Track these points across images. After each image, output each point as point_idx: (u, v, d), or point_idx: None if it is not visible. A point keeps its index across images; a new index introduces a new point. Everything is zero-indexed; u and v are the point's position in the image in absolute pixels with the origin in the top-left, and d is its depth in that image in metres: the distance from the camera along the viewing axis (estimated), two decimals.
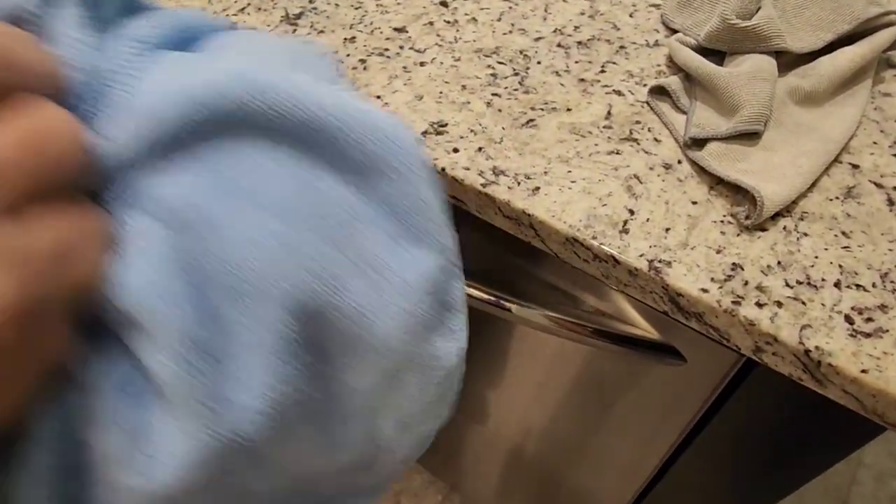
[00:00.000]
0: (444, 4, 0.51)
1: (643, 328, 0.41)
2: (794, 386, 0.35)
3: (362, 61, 0.46)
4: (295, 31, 0.49)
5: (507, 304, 0.43)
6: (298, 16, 0.50)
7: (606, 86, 0.43)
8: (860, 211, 0.35)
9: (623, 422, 0.52)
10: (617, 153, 0.39)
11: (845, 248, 0.34)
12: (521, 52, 0.46)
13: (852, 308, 0.31)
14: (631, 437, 0.53)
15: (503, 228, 0.39)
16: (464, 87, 0.44)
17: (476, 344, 0.58)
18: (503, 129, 0.41)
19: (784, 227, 0.35)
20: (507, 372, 0.61)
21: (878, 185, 0.36)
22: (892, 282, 0.32)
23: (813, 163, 0.37)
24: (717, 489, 0.51)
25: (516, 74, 0.44)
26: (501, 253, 0.46)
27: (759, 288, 0.32)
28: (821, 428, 0.38)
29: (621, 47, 0.46)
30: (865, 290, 0.32)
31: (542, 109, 0.42)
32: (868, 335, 0.30)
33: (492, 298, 0.44)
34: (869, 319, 0.31)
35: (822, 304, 0.31)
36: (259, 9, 0.52)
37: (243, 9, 0.52)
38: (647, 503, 0.63)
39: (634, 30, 0.47)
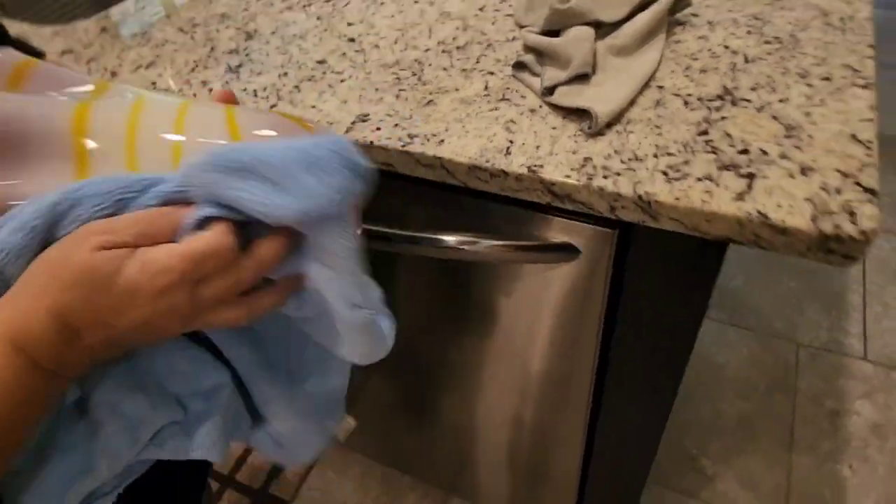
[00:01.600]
0: (352, 40, 0.65)
1: (544, 239, 0.54)
2: (662, 248, 0.48)
3: (296, 87, 0.59)
4: (238, 76, 0.62)
5: (440, 241, 0.56)
6: (238, 66, 0.64)
7: (482, 70, 0.58)
8: (666, 112, 0.50)
9: (552, 335, 0.64)
10: (496, 109, 0.53)
11: (658, 134, 0.48)
12: (416, 61, 0.61)
13: (667, 166, 0.45)
14: (563, 346, 0.65)
15: (423, 177, 0.52)
16: (377, 89, 0.57)
17: (413, 300, 0.69)
18: (411, 109, 0.54)
19: (616, 131, 0.49)
20: (449, 326, 0.72)
21: (677, 95, 0.52)
22: (690, 147, 0.46)
23: (630, 89, 0.51)
24: (654, 358, 0.63)
25: (415, 75, 0.59)
26: (429, 212, 0.58)
27: (604, 167, 0.46)
28: (687, 269, 0.51)
29: (489, 45, 0.61)
30: (673, 154, 0.46)
31: (438, 93, 0.56)
32: (678, 179, 0.44)
33: (423, 237, 0.56)
34: (677, 170, 0.45)
35: (647, 169, 0.45)
36: (206, 67, 0.65)
37: (193, 69, 0.65)
38: (605, 403, 0.73)
39: (497, 32, 0.63)
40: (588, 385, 0.69)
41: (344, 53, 0.63)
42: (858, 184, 0.42)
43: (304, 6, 0.73)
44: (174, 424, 0.36)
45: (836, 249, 0.40)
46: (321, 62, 0.62)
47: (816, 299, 1.43)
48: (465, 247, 0.55)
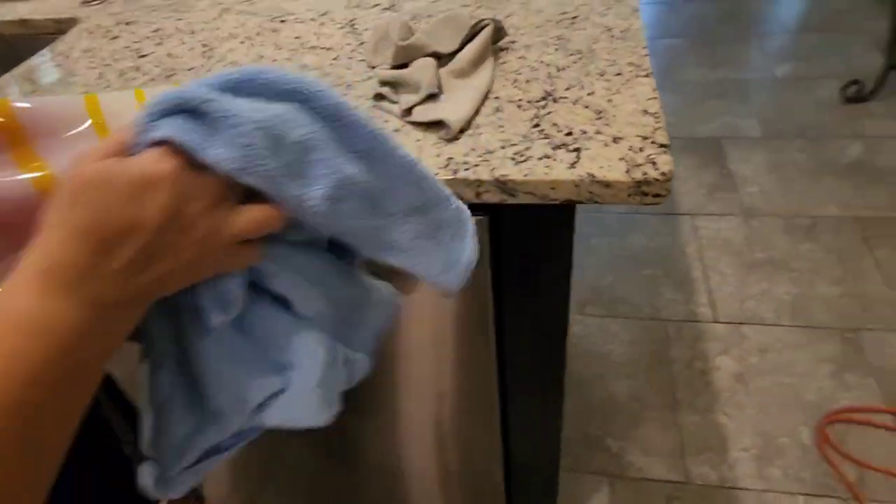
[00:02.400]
0: None
1: None
2: (525, 223, 0.57)
3: None
4: None
5: None
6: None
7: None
8: (504, 115, 0.61)
9: (452, 333, 0.71)
10: None
11: (502, 131, 0.58)
12: None
13: (513, 153, 0.55)
14: (465, 343, 0.72)
15: None
16: None
17: None
18: None
19: (468, 134, 0.59)
20: None
21: (511, 102, 0.63)
22: (528, 137, 0.57)
23: (473, 101, 0.62)
24: (540, 328, 0.72)
25: None
26: None
27: (465, 162, 0.55)
28: (548, 234, 0.61)
29: (348, 86, 0.70)
30: (516, 144, 0.56)
31: None
32: (524, 161, 0.54)
33: None
34: (522, 155, 0.55)
35: (498, 158, 0.55)
36: None
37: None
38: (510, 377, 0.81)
39: (353, 74, 0.72)
40: (494, 380, 0.76)
41: None
42: (654, 142, 0.54)
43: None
44: (278, 394, 0.39)
45: (648, 191, 0.51)
46: None
47: (669, 282, 1.64)
48: None
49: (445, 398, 0.81)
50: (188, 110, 0.29)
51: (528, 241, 0.62)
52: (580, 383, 1.42)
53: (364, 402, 0.86)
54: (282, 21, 0.88)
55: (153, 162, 0.28)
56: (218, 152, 0.28)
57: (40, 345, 0.25)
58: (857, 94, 2.14)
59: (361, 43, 0.78)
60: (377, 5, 0.88)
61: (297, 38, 0.82)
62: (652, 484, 1.24)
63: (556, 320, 0.69)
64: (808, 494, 1.18)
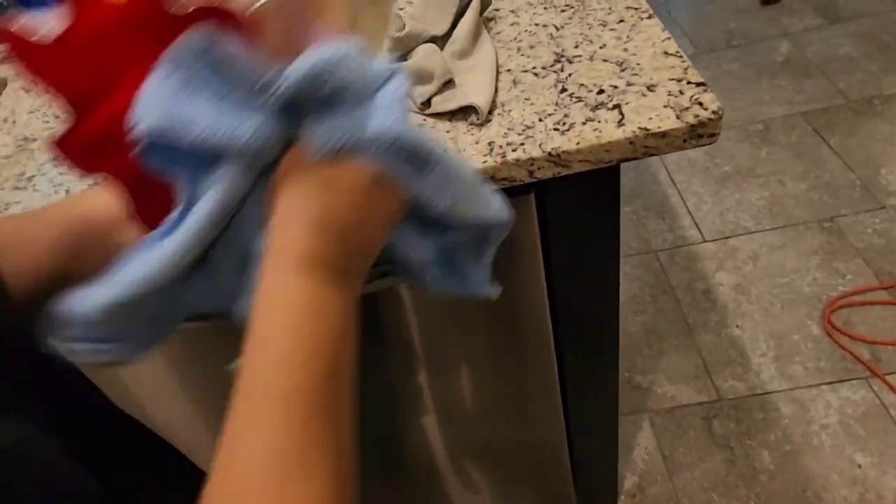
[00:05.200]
0: None
1: None
2: (571, 192, 0.56)
3: None
4: None
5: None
6: None
7: None
8: (525, 86, 0.59)
9: (509, 316, 0.70)
10: None
11: (531, 104, 0.56)
12: None
13: (554, 123, 0.53)
14: (522, 324, 0.71)
15: None
16: None
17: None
18: None
19: (498, 114, 0.56)
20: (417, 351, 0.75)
21: (525, 72, 0.61)
22: (560, 104, 0.55)
23: (489, 79, 0.59)
24: (594, 296, 0.71)
25: None
26: None
27: (508, 145, 0.53)
28: (596, 199, 0.60)
29: None
30: (553, 114, 0.54)
31: None
32: (568, 129, 0.52)
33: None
34: (563, 123, 0.53)
35: (541, 131, 0.53)
36: None
37: None
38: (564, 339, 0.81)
39: None
40: (551, 352, 0.75)
41: None
42: (690, 82, 0.53)
43: None
44: None
45: (703, 133, 0.51)
46: None
47: (650, 214, 1.67)
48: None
49: (504, 371, 0.80)
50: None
51: (576, 208, 0.60)
52: None
53: (424, 380, 0.84)
54: None
55: (375, 172, 0.32)
56: (429, 194, 0.33)
57: (338, 326, 0.30)
58: None
59: None
60: None
61: None
62: (687, 409, 1.28)
63: (608, 284, 0.68)
64: (831, 383, 1.25)
